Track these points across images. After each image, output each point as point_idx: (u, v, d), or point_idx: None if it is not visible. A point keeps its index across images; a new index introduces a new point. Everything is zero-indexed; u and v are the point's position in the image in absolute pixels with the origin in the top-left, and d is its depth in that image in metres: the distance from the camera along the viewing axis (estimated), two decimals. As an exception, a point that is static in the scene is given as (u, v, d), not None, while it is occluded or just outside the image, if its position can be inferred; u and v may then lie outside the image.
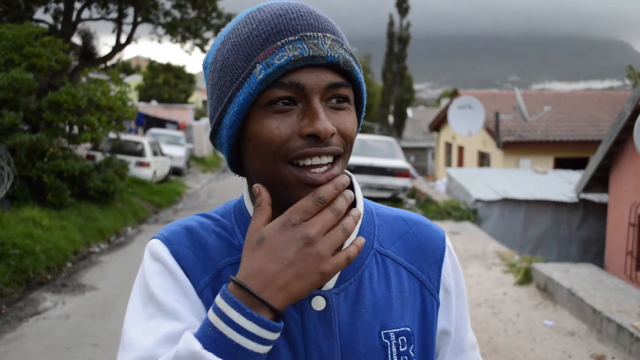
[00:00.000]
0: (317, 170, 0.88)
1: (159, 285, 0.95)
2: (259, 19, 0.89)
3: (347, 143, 0.92)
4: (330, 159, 0.89)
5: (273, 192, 0.91)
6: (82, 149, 13.65)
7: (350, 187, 1.05)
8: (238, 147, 0.95)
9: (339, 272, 0.95)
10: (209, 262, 0.97)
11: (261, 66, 0.86)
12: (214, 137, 0.98)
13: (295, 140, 0.87)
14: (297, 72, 0.87)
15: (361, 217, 1.02)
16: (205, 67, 1.00)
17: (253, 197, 1.00)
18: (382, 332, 0.97)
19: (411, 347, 0.99)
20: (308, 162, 0.88)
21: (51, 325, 6.18)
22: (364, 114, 1.01)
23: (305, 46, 0.86)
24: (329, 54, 0.88)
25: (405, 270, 1.03)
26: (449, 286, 1.07)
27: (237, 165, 1.00)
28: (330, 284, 0.96)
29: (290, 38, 0.87)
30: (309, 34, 0.87)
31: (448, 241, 1.10)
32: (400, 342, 0.98)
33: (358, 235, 1.01)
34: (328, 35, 0.89)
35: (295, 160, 0.88)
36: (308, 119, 0.87)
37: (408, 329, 0.99)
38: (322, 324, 0.94)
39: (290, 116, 0.88)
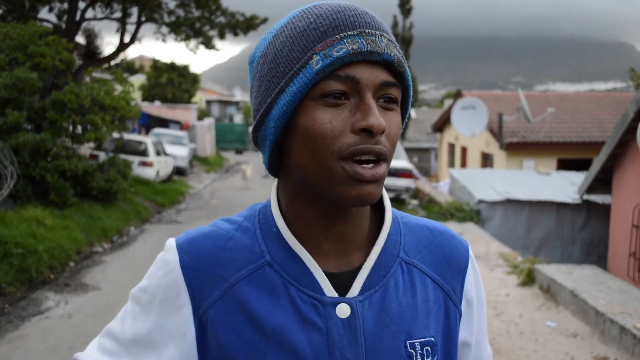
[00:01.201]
0: (365, 165, 0.88)
1: (142, 300, 1.01)
2: (317, 14, 0.90)
3: (391, 146, 0.92)
4: (376, 158, 0.90)
5: (317, 187, 0.91)
6: (86, 149, 13.67)
7: None
8: (281, 142, 0.94)
9: (363, 279, 0.96)
10: (223, 273, 0.96)
11: (318, 57, 0.86)
12: (257, 129, 0.97)
13: (348, 136, 0.87)
14: (353, 66, 0.87)
15: (390, 225, 1.03)
16: (252, 60, 0.99)
17: (283, 200, 1.00)
18: (408, 342, 0.96)
19: (435, 358, 0.98)
20: (357, 158, 0.88)
21: (54, 325, 6.19)
22: (407, 118, 1.01)
23: (363, 41, 0.87)
24: (385, 52, 0.88)
25: (431, 280, 1.02)
26: (471, 298, 1.07)
27: (275, 163, 0.99)
28: (355, 292, 0.95)
29: (349, 32, 0.87)
30: (367, 30, 0.88)
31: (471, 252, 1.10)
32: (425, 352, 0.97)
33: (386, 242, 1.01)
34: (384, 34, 0.90)
35: (346, 158, 0.88)
36: (361, 113, 0.87)
37: (432, 339, 0.98)
38: (347, 331, 0.93)
39: (342, 110, 0.88)
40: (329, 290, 0.94)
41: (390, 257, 1.00)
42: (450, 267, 1.05)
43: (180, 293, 0.96)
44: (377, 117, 0.86)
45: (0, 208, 9.13)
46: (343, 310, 0.93)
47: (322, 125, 0.87)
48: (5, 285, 6.96)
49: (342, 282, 0.96)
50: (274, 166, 1.00)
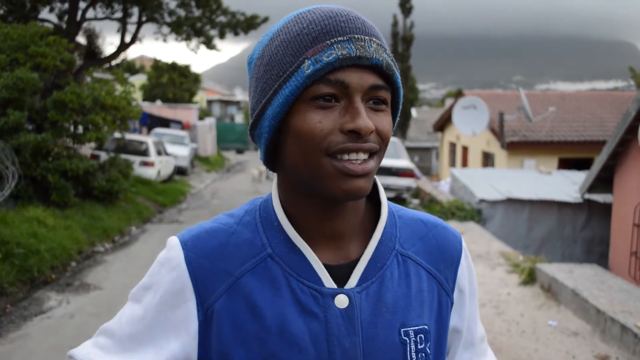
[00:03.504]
0: (354, 161, 0.92)
1: (144, 297, 1.04)
2: (310, 19, 0.94)
3: (383, 142, 0.96)
4: (366, 155, 0.94)
5: (310, 183, 0.96)
6: (87, 149, 13.68)
7: (375, 189, 1.10)
8: (276, 140, 0.99)
9: (361, 271, 1.00)
10: (227, 267, 1.00)
11: (310, 62, 0.90)
12: (254, 128, 1.01)
13: (336, 135, 0.91)
14: (342, 70, 0.91)
15: (386, 219, 1.07)
16: (250, 62, 1.03)
17: (282, 195, 1.04)
18: (402, 330, 1.00)
19: (428, 344, 1.02)
20: (346, 156, 0.92)
21: (55, 325, 6.20)
22: (398, 117, 1.05)
23: (352, 47, 0.91)
24: (374, 57, 0.92)
25: (425, 271, 1.07)
26: (463, 287, 1.11)
27: (271, 159, 1.04)
28: (353, 283, 0.99)
29: (339, 38, 0.91)
30: (356, 36, 0.92)
31: (464, 244, 1.15)
32: (418, 339, 1.01)
33: (382, 235, 1.05)
34: (374, 39, 0.93)
35: (334, 154, 0.92)
36: (350, 115, 0.91)
37: (426, 326, 1.03)
38: (345, 321, 0.97)
39: (332, 112, 0.92)
40: (328, 282, 0.98)
41: (387, 250, 1.04)
42: (444, 258, 1.10)
43: (185, 288, 0.99)
44: (364, 120, 0.90)
45: (1, 208, 9.14)
46: (341, 301, 0.98)
47: (312, 125, 0.91)
48: (7, 285, 6.97)
49: (340, 274, 1.00)
50: (271, 162, 1.04)
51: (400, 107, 1.03)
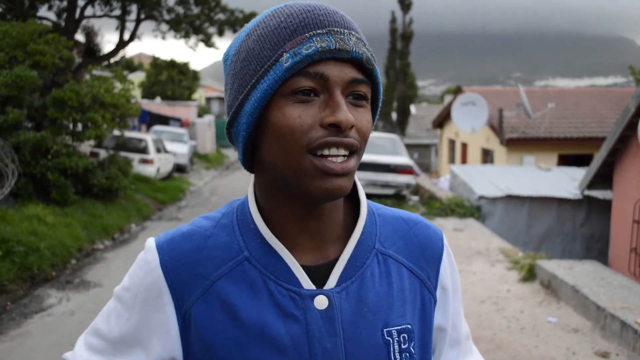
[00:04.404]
0: (334, 159, 0.90)
1: (125, 298, 1.02)
2: (287, 13, 0.92)
3: (363, 140, 0.94)
4: (347, 152, 0.92)
5: (289, 182, 0.93)
6: (86, 146, 13.68)
7: (354, 188, 1.07)
8: (254, 138, 0.96)
9: (340, 271, 0.99)
10: (203, 271, 0.98)
11: (288, 55, 0.89)
12: (230, 126, 0.99)
13: (316, 130, 0.89)
14: (322, 63, 0.90)
15: (365, 218, 1.05)
16: (226, 59, 1.01)
17: (259, 196, 1.02)
18: (385, 330, 0.99)
19: (412, 344, 1.01)
20: (326, 152, 0.90)
21: (56, 322, 6.21)
22: (378, 114, 1.03)
23: (332, 39, 0.89)
24: (354, 50, 0.91)
25: (406, 269, 1.05)
26: (446, 284, 1.10)
27: (249, 159, 1.01)
28: (332, 283, 0.98)
29: (319, 31, 0.90)
30: (335, 29, 0.90)
31: (446, 241, 1.13)
32: (402, 339, 0.99)
33: (361, 235, 1.03)
34: (353, 33, 0.92)
35: (314, 150, 0.90)
36: (330, 109, 0.89)
37: (409, 326, 1.01)
38: (325, 322, 0.95)
39: (311, 106, 0.90)
40: (307, 283, 0.97)
41: (366, 249, 1.03)
42: (425, 256, 1.08)
43: (162, 292, 0.98)
44: (345, 113, 0.88)
45: (1, 206, 9.14)
46: (321, 302, 0.96)
47: (292, 120, 0.89)
48: (7, 283, 6.97)
49: (319, 275, 0.98)
50: (249, 162, 1.02)
51: (380, 104, 1.02)
